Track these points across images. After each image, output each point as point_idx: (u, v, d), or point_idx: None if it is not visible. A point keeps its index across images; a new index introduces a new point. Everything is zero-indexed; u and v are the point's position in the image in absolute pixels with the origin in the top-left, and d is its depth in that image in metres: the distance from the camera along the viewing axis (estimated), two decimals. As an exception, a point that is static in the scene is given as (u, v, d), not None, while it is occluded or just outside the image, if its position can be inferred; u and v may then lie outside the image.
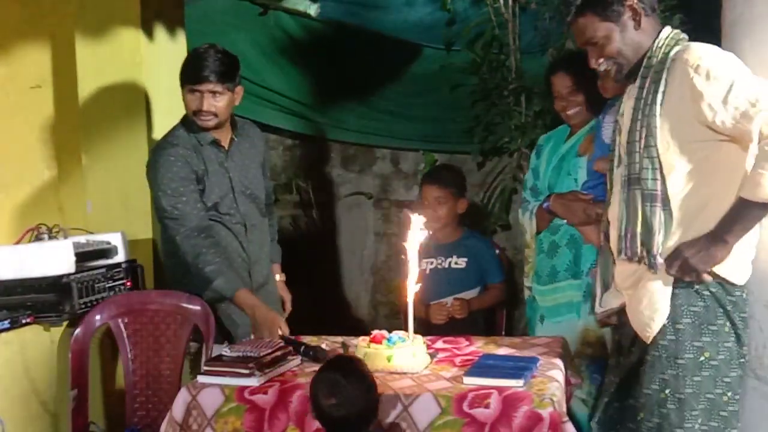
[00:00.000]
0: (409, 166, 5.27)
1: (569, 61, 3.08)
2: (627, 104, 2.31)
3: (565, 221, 2.98)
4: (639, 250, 2.22)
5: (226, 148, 3.08)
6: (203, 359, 2.78)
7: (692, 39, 3.28)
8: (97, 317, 2.97)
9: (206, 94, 2.92)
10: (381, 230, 5.57)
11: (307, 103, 5.15)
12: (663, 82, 2.18)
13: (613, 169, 2.39)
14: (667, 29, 2.26)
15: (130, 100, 3.57)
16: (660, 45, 2.22)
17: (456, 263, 3.58)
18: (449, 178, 3.64)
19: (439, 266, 3.57)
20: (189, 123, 3.04)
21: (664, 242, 2.19)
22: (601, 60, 2.26)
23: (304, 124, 5.30)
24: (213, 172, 3.02)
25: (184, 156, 2.96)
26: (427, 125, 5.09)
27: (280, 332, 2.74)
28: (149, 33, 3.70)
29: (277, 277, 3.33)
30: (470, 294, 3.57)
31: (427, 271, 3.51)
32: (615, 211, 2.34)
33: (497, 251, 3.73)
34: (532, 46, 3.80)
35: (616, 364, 2.46)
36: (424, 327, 3.26)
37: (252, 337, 2.81)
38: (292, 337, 2.73)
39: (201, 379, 2.41)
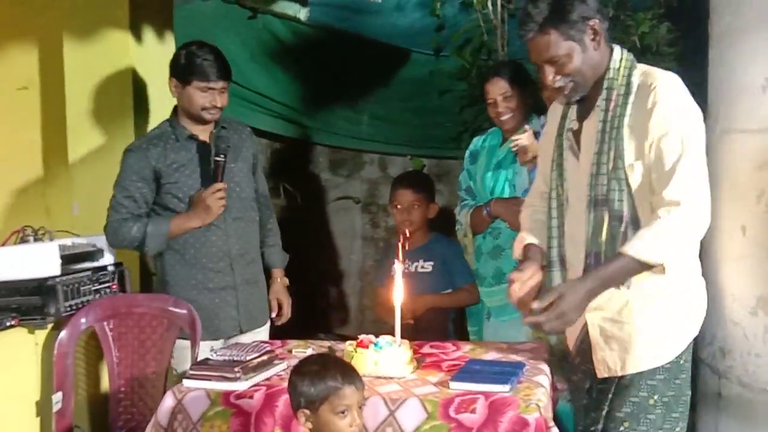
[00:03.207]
0: (397, 171, 5.27)
1: (503, 68, 3.23)
2: (588, 124, 2.29)
3: (505, 225, 3.10)
4: None
5: (208, 142, 3.08)
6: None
7: (680, 48, 3.30)
8: (83, 320, 2.95)
9: (218, 91, 3.00)
10: (369, 235, 5.58)
11: (296, 107, 5.15)
12: (629, 105, 2.19)
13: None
14: (618, 49, 2.27)
15: (117, 102, 3.56)
16: (617, 67, 2.24)
17: (422, 267, 3.56)
18: (421, 183, 3.67)
19: (405, 271, 3.44)
20: (171, 119, 3.09)
21: None
22: (558, 77, 2.24)
23: (292, 128, 5.29)
24: (189, 166, 3.03)
25: (145, 151, 3.02)
26: (415, 130, 5.10)
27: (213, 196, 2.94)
28: (138, 35, 3.69)
29: (278, 279, 3.31)
30: None
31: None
32: (572, 227, 2.32)
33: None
34: (520, 52, 3.81)
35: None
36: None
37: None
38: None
39: (186, 383, 2.40)
